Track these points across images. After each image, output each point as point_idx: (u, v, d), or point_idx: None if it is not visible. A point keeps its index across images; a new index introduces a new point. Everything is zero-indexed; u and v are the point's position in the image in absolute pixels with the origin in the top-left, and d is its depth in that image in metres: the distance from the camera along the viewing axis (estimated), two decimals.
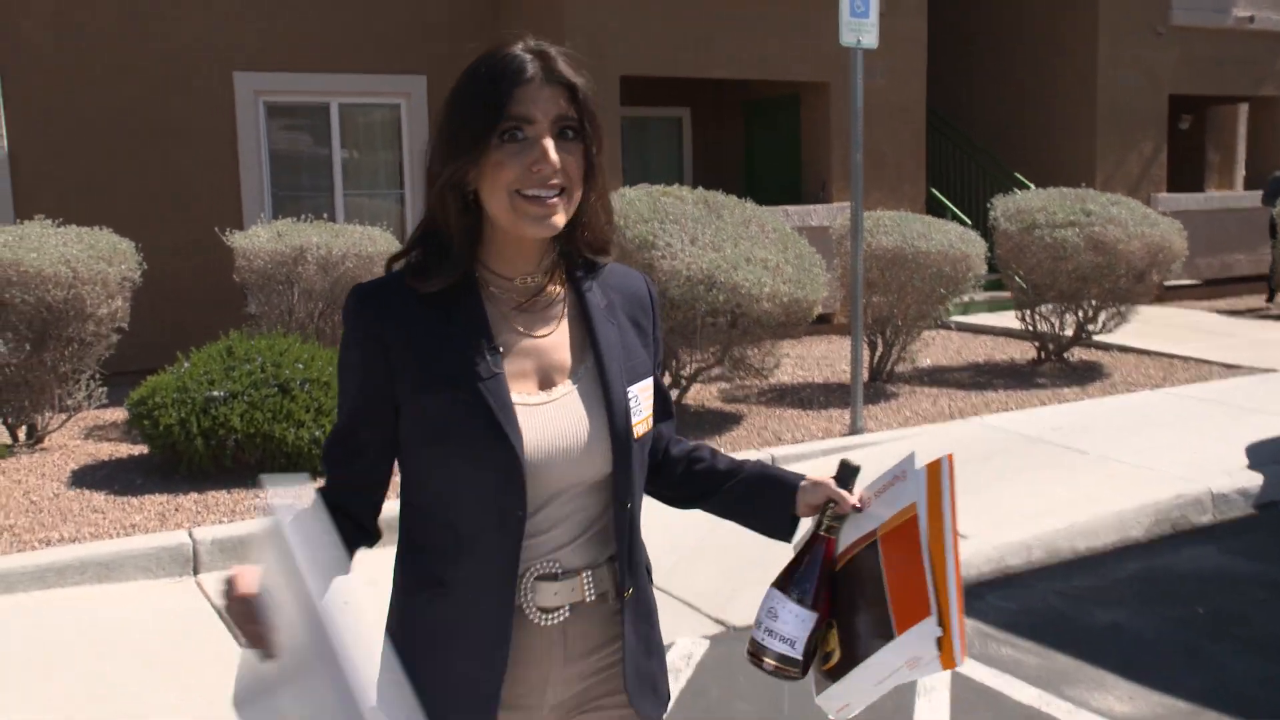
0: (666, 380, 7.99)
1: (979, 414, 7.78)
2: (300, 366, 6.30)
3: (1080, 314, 9.39)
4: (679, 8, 10.53)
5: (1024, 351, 10.31)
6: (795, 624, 1.66)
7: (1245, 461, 6.48)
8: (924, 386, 8.78)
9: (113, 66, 9.50)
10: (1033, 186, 12.06)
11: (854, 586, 1.67)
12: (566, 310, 1.65)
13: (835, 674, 1.67)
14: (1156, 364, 9.63)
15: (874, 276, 8.24)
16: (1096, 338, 9.61)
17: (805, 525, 1.78)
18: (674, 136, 13.15)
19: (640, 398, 1.65)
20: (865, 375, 8.15)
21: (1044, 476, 6.20)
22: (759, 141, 12.90)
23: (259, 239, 7.65)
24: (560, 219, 1.53)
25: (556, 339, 1.63)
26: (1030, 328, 9.65)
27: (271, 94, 10.20)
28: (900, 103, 11.90)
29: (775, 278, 7.14)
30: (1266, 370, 9.18)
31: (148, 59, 9.62)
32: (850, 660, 1.64)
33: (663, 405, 1.80)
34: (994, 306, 12.47)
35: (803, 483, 1.76)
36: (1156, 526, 5.72)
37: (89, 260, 6.69)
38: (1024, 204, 9.30)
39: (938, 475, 1.58)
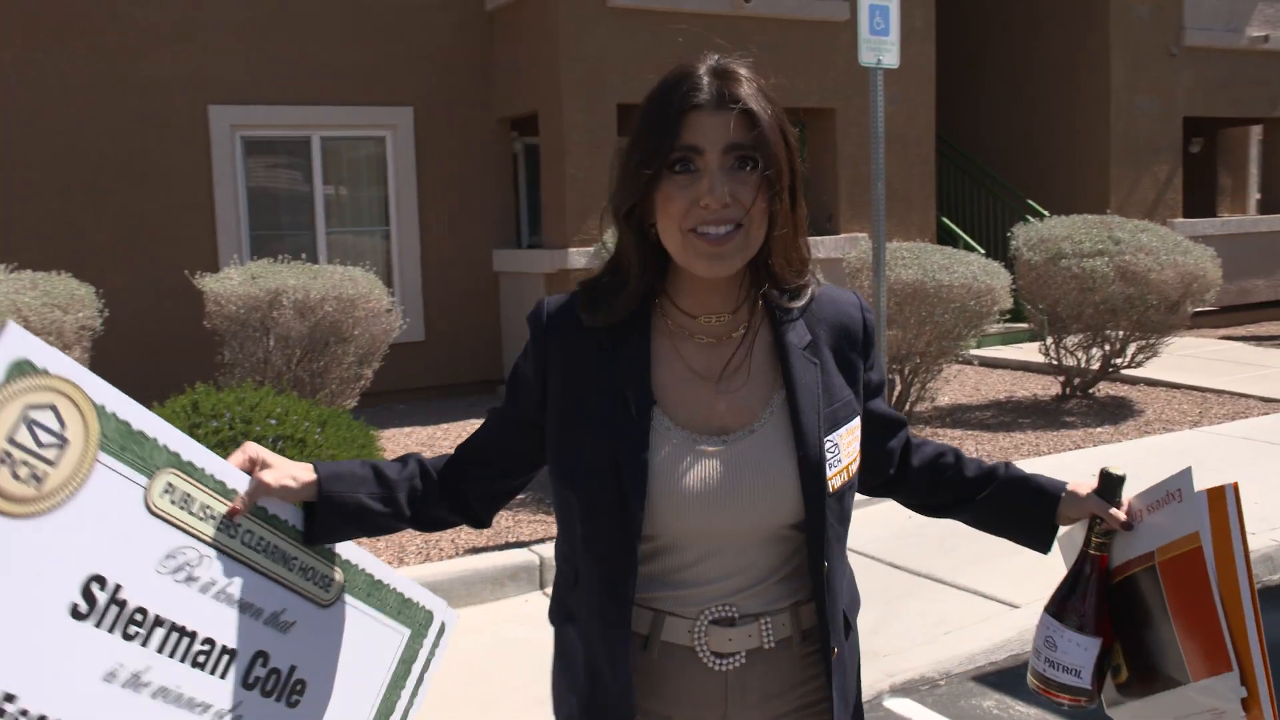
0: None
1: (1009, 459, 7.22)
2: (273, 423, 5.72)
3: (1107, 347, 8.86)
4: (678, 35, 10.04)
5: (1046, 386, 9.77)
6: (1078, 652, 1.57)
7: None
8: (946, 428, 8.21)
9: (80, 102, 8.98)
10: (1046, 214, 11.57)
11: (1135, 607, 1.56)
12: (762, 349, 1.55)
13: (1127, 690, 1.59)
14: (1189, 399, 9.09)
15: (891, 311, 7.71)
16: (1124, 371, 9.07)
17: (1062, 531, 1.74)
18: None
19: (841, 446, 1.54)
20: None
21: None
22: None
23: (231, 282, 7.10)
24: (736, 259, 1.45)
25: (741, 381, 1.53)
26: (1055, 361, 9.11)
27: (249, 128, 9.68)
28: (910, 130, 11.41)
29: None
30: None
31: (117, 93, 9.11)
32: (1142, 683, 1.57)
33: (889, 419, 1.73)
34: (1009, 339, 11.94)
35: (1063, 493, 1.73)
36: None
37: (42, 309, 6.14)
38: (1047, 232, 8.78)
39: (1222, 504, 1.45)
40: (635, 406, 1.47)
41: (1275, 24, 14.38)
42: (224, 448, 5.47)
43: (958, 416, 8.66)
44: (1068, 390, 9.21)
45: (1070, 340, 8.92)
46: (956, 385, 9.96)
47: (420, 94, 10.22)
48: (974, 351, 11.17)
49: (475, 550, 5.64)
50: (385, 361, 7.82)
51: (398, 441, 8.32)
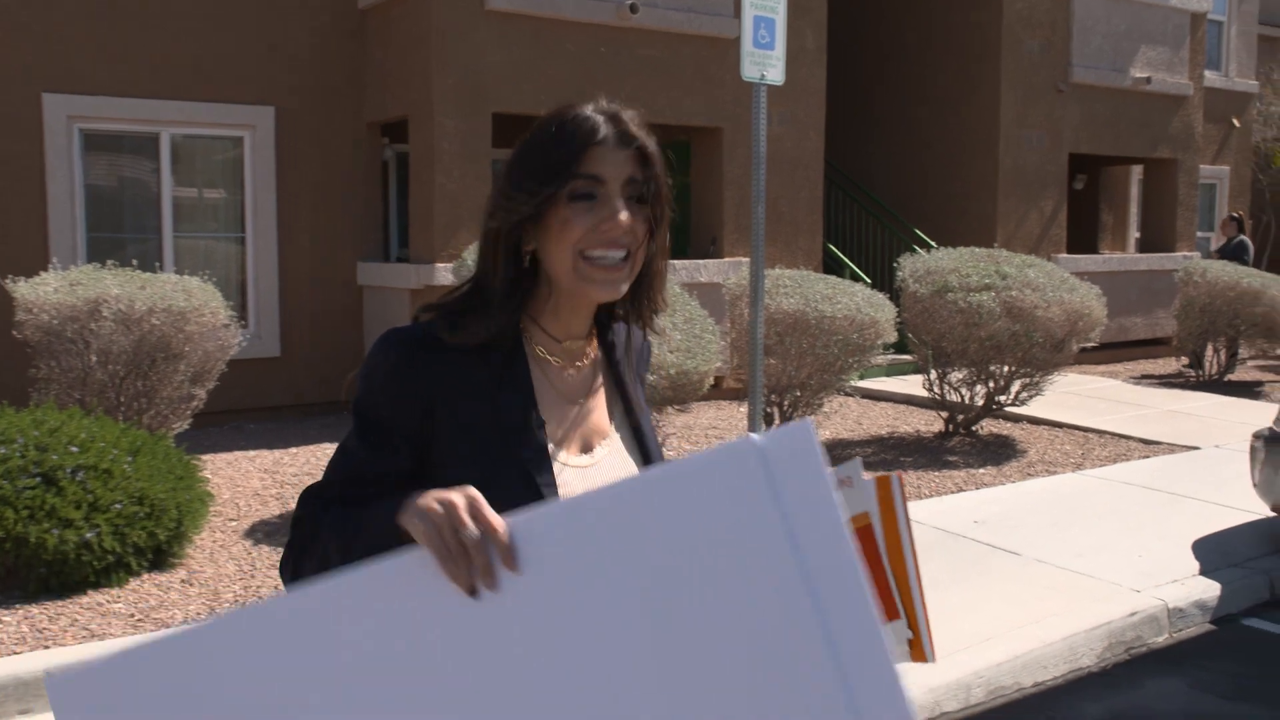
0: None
1: None
2: (74, 450, 5.05)
3: (991, 384, 8.62)
4: (561, 44, 9.58)
5: (929, 422, 9.50)
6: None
7: (1194, 564, 5.66)
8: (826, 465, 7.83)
9: None
10: (934, 245, 11.38)
11: None
12: (600, 371, 1.63)
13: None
14: (1071, 439, 8.90)
15: (771, 342, 7.33)
16: (1008, 409, 8.84)
17: None
18: None
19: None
20: None
21: (975, 588, 5.27)
22: None
23: (45, 288, 6.38)
24: (625, 285, 1.51)
25: (595, 401, 1.61)
26: (939, 397, 8.84)
27: (90, 120, 8.90)
28: (799, 153, 11.11)
29: (660, 346, 6.14)
30: (1188, 448, 8.50)
31: None
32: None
33: None
34: (894, 370, 11.70)
35: None
36: (1110, 652, 4.82)
37: None
38: (934, 264, 8.51)
39: (888, 491, 1.62)
40: (537, 430, 1.50)
41: (1157, 67, 14.52)
42: (11, 478, 4.80)
43: (838, 453, 8.30)
44: (951, 427, 8.95)
45: (955, 376, 8.66)
46: (839, 419, 9.64)
47: (283, 93, 9.56)
48: (857, 383, 10.88)
49: None
50: (235, 379, 7.16)
51: (239, 466, 7.64)
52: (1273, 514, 6.40)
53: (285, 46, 9.54)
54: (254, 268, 9.61)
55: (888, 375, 11.62)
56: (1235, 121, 18.18)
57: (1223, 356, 12.25)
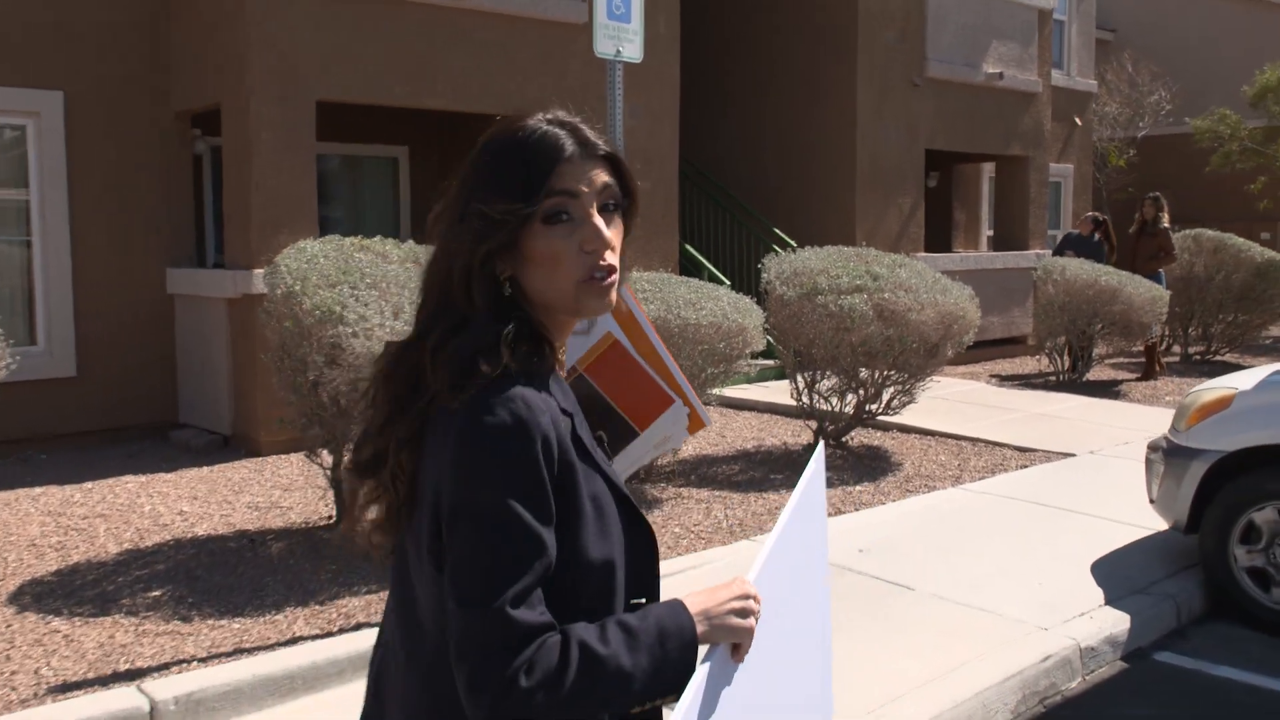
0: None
1: (762, 526, 6.25)
2: None
3: (862, 392, 8.11)
4: (391, 25, 8.68)
5: (796, 433, 8.96)
6: None
7: (1097, 591, 5.18)
8: (691, 487, 7.19)
9: None
10: (793, 244, 10.87)
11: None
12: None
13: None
14: (945, 448, 8.46)
15: None
16: (879, 417, 8.34)
17: None
18: (388, 180, 11.21)
19: None
20: None
21: (873, 635, 4.66)
22: None
23: None
24: (614, 295, 1.49)
25: None
26: (807, 407, 8.29)
27: None
28: (652, 146, 10.44)
29: None
30: (1063, 455, 8.15)
31: None
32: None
33: None
34: (757, 376, 11.15)
35: None
36: (1024, 705, 4.27)
37: None
38: (801, 265, 7.94)
39: (623, 304, 1.86)
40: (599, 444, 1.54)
41: (1009, 63, 14.40)
42: None
43: (703, 472, 7.66)
44: (819, 439, 8.40)
45: (825, 384, 8.11)
46: (700, 431, 8.99)
47: (75, 77, 8.41)
48: (718, 391, 10.28)
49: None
50: (20, 403, 6.09)
51: (18, 507, 6.55)
52: (1166, 529, 6.02)
53: (77, 24, 8.40)
54: (43, 276, 8.43)
55: (749, 382, 11.06)
56: (1077, 120, 18.36)
57: (1080, 356, 12.11)
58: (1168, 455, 5.45)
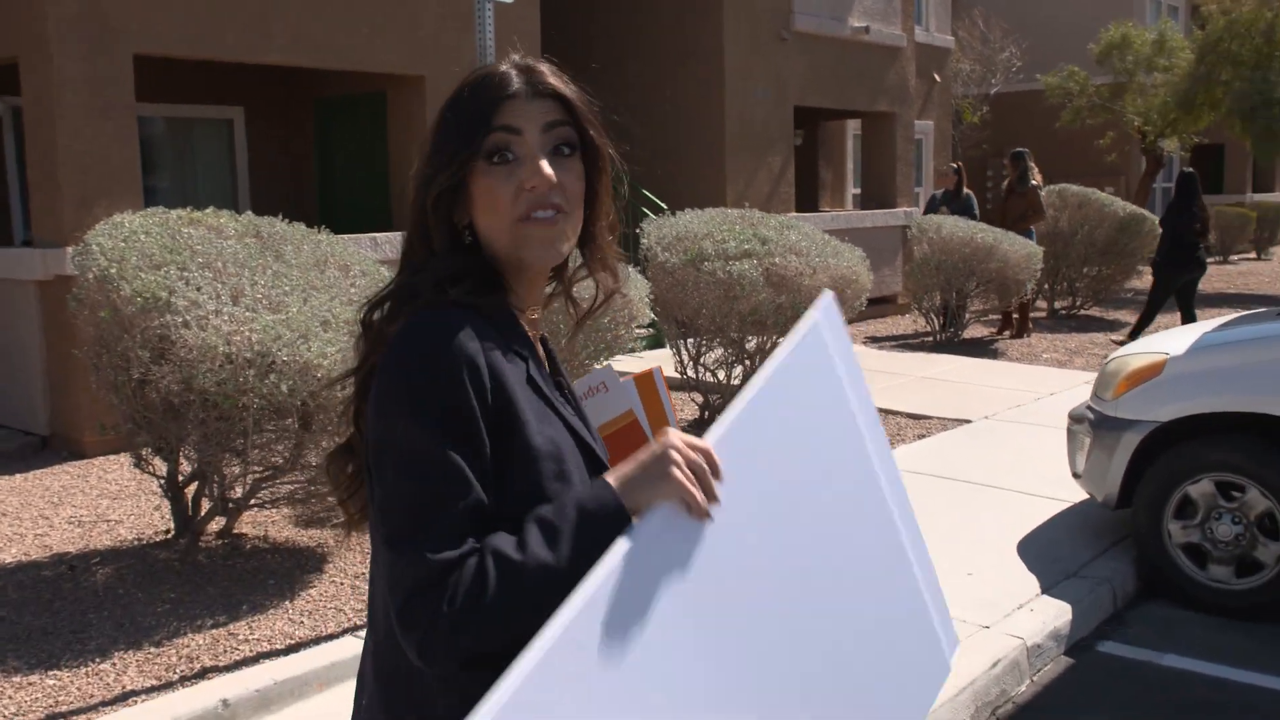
0: (204, 509, 5.27)
1: None
2: None
3: (749, 362, 7.62)
4: None
5: (679, 405, 8.43)
6: None
7: (1030, 578, 4.79)
8: None
9: None
10: (665, 207, 10.30)
11: None
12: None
13: None
14: None
15: None
16: None
17: None
18: (223, 144, 10.20)
19: None
20: None
21: None
22: (337, 151, 10.23)
23: None
24: (565, 245, 1.44)
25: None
26: (692, 378, 7.76)
27: None
28: None
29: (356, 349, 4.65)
30: (959, 421, 7.81)
31: None
32: None
33: None
34: (634, 347, 10.57)
35: None
36: (979, 717, 3.81)
37: None
38: (684, 230, 7.37)
39: (651, 384, 1.69)
40: (567, 395, 1.49)
41: (874, 16, 14.08)
42: None
43: None
44: (707, 414, 7.89)
45: (710, 357, 7.60)
46: None
47: None
48: (596, 366, 9.68)
49: None
50: None
51: None
52: (1082, 500, 5.69)
53: None
54: None
55: (623, 353, 10.47)
56: (937, 76, 18.26)
57: (955, 315, 11.89)
58: (1095, 426, 5.07)
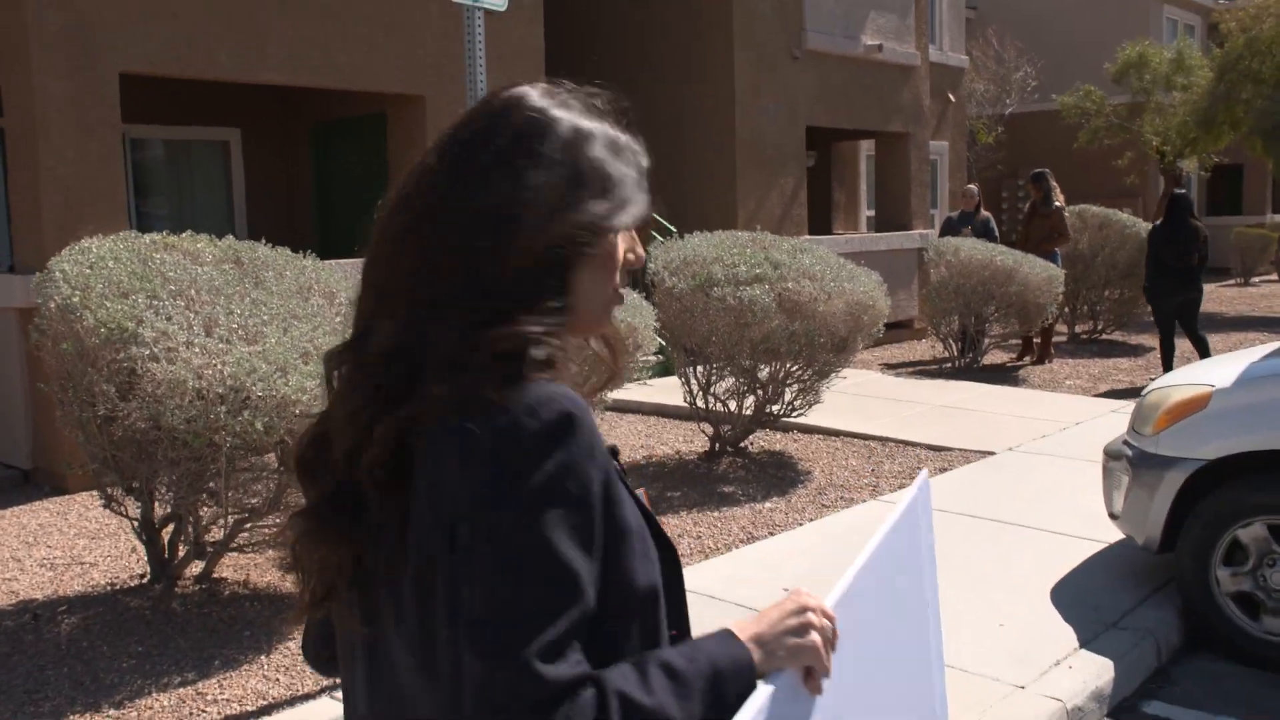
0: (181, 552, 4.95)
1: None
2: None
3: (762, 392, 7.28)
4: None
5: (688, 438, 8.09)
6: None
7: (1067, 630, 4.41)
8: None
9: None
10: (673, 230, 9.98)
11: None
12: None
13: None
14: (853, 450, 7.68)
15: None
16: (782, 418, 7.52)
17: None
18: (220, 167, 9.93)
19: None
20: None
21: None
22: (336, 174, 9.95)
23: None
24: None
25: None
26: (702, 409, 7.41)
27: None
28: None
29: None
30: (982, 454, 7.44)
31: None
32: None
33: None
34: (642, 372, 10.22)
35: None
36: None
37: None
38: (692, 253, 7.05)
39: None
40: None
41: (887, 34, 13.79)
42: None
43: None
44: (717, 445, 7.54)
45: (721, 386, 7.25)
46: None
47: None
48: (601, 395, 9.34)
49: None
50: None
51: None
52: (1117, 540, 5.33)
53: None
54: None
55: (634, 383, 10.14)
56: (951, 96, 17.95)
57: (974, 340, 11.53)
58: (1134, 464, 4.71)
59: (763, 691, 1.13)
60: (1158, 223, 10.88)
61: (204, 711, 3.83)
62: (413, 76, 8.58)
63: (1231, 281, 22.38)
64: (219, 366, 4.08)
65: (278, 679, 4.08)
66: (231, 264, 4.82)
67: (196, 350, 4.14)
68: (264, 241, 5.19)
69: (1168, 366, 10.58)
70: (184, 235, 4.96)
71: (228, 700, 3.91)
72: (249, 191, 10.02)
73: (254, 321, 4.40)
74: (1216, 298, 19.23)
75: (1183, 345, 11.52)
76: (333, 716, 3.75)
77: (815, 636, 1.18)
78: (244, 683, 4.05)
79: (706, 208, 11.66)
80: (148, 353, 4.08)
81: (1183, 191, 11.18)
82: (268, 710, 3.84)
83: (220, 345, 4.20)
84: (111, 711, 3.81)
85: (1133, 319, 13.92)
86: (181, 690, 3.97)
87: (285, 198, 10.25)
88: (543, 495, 1.07)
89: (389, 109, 9.02)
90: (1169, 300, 10.55)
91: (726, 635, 1.17)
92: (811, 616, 1.19)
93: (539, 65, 9.71)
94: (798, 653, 1.17)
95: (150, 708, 3.83)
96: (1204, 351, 10.40)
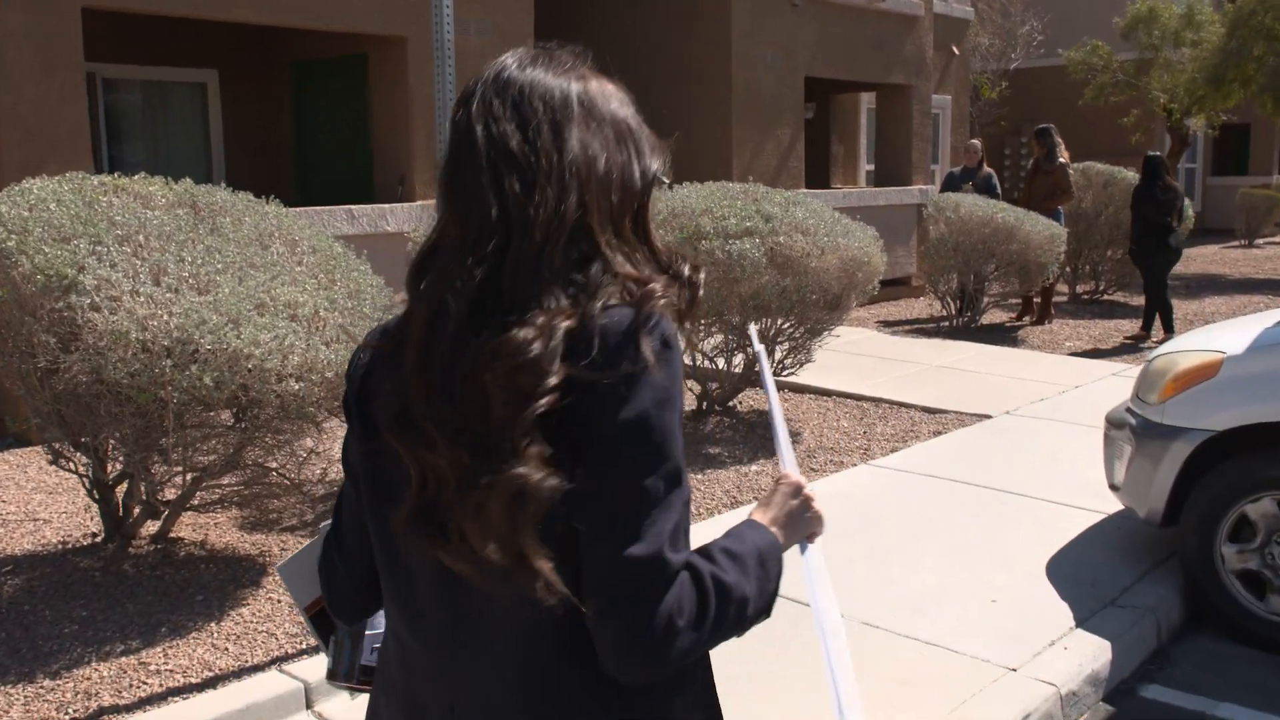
0: (135, 511, 4.72)
1: None
2: None
3: (749, 349, 7.02)
4: None
5: None
6: None
7: (1063, 607, 4.19)
8: None
9: None
10: (665, 180, 9.67)
11: None
12: None
13: None
14: (845, 411, 7.44)
15: None
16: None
17: None
18: (197, 110, 9.60)
19: None
20: None
21: (791, 684, 3.56)
22: (314, 118, 9.61)
23: None
24: None
25: None
26: (689, 365, 7.16)
27: None
28: None
29: (311, 336, 4.06)
30: (978, 416, 7.21)
31: None
32: None
33: None
34: None
35: None
36: None
37: None
38: (681, 204, 6.76)
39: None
40: None
41: None
42: None
43: None
44: (704, 404, 7.30)
45: (709, 343, 7.00)
46: None
47: None
48: None
49: None
50: None
51: None
52: (1116, 511, 5.10)
53: None
54: None
55: None
56: (955, 49, 17.54)
57: (973, 299, 11.25)
58: (1138, 434, 4.47)
59: (814, 552, 1.43)
60: (1138, 185, 10.67)
61: (145, 683, 3.60)
62: (394, 18, 8.24)
63: (1236, 243, 22.05)
64: (165, 317, 3.82)
65: (226, 648, 3.86)
66: (186, 209, 4.54)
67: (142, 300, 3.87)
68: (239, 189, 4.90)
69: (1168, 327, 10.34)
70: (136, 177, 4.68)
71: (171, 671, 3.68)
72: (227, 134, 9.70)
73: (207, 270, 4.13)
74: (1220, 259, 18.93)
75: (1185, 308, 11.26)
76: (279, 691, 3.53)
77: (817, 507, 1.44)
78: (190, 652, 3.83)
79: (701, 158, 11.34)
80: (89, 301, 3.82)
81: (1155, 154, 10.91)
82: (212, 683, 3.62)
83: (168, 295, 3.93)
84: (46, 682, 3.58)
85: (1134, 279, 13.62)
86: (123, 659, 3.74)
87: (265, 141, 9.93)
88: (673, 400, 1.20)
89: (370, 51, 8.69)
90: (1161, 258, 10.36)
91: (756, 524, 1.37)
92: (807, 494, 1.43)
93: (529, 9, 9.37)
94: (810, 526, 1.44)
95: (88, 678, 3.61)
96: (1168, 319, 10.33)
